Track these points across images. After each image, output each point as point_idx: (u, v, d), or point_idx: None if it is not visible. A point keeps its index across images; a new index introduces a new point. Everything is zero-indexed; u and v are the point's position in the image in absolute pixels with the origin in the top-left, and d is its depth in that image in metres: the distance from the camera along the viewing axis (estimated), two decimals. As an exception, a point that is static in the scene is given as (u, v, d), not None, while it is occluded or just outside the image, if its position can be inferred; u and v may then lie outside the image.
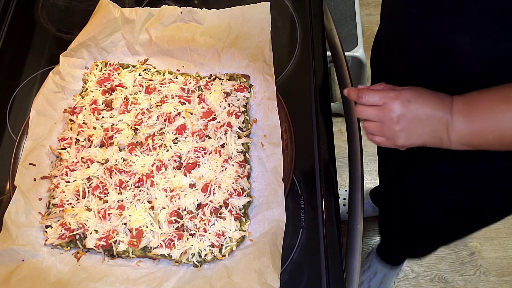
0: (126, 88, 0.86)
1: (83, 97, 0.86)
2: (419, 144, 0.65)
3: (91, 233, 0.73)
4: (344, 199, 1.62)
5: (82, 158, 0.79)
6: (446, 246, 1.60)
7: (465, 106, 0.61)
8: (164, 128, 0.82)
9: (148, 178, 0.77)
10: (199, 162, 0.78)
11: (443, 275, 1.59)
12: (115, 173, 0.77)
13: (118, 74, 0.87)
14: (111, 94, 0.86)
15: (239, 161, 0.78)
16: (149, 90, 0.86)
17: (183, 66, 0.90)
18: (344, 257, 0.72)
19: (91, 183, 0.77)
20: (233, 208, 0.74)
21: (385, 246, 1.49)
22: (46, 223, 0.75)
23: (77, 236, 0.73)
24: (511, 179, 0.74)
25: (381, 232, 1.43)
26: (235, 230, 0.73)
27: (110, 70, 0.87)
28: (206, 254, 0.72)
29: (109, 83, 0.86)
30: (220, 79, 0.87)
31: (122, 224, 0.74)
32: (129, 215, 0.74)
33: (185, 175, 0.78)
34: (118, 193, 0.77)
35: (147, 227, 0.73)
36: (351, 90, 0.70)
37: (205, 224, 0.73)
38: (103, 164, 0.79)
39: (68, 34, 0.94)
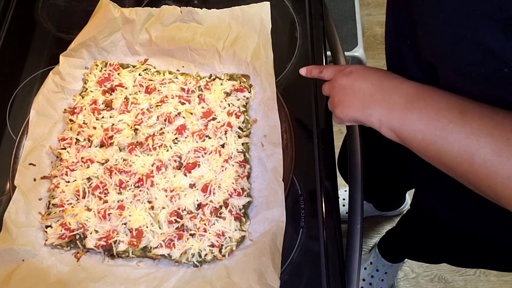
0: (126, 88, 0.86)
1: (83, 97, 0.86)
2: (352, 117, 0.62)
3: (91, 233, 0.73)
4: (344, 199, 1.62)
5: (82, 158, 0.79)
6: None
7: (415, 94, 0.54)
8: (164, 128, 0.82)
9: (148, 178, 0.77)
10: (199, 162, 0.78)
11: (443, 275, 1.59)
12: (115, 173, 0.77)
13: (118, 74, 0.87)
14: (111, 94, 0.86)
15: (239, 161, 0.78)
16: (149, 90, 0.86)
17: (183, 66, 0.90)
18: (344, 257, 0.72)
19: (91, 183, 0.77)
20: (233, 208, 0.74)
21: (386, 243, 1.49)
22: (46, 223, 0.75)
23: (77, 236, 0.74)
24: None
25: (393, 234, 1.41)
26: (235, 230, 0.73)
27: (110, 70, 0.87)
28: (206, 254, 0.72)
29: (109, 83, 0.86)
30: (220, 79, 0.87)
31: (122, 224, 0.74)
32: (129, 215, 0.74)
33: (185, 175, 0.78)
34: (118, 193, 0.77)
35: (147, 227, 0.73)
36: (311, 67, 0.72)
37: (205, 224, 0.73)
38: (103, 164, 0.79)
39: (68, 34, 0.94)
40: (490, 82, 0.46)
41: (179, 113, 0.83)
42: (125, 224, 0.74)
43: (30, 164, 0.79)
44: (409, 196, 1.65)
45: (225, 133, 0.81)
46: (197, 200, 0.75)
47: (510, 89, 0.45)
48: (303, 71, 0.74)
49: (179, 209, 0.75)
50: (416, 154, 0.55)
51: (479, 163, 0.46)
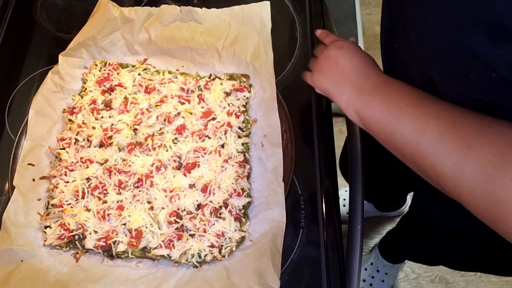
0: (125, 88, 0.86)
1: (82, 97, 0.85)
2: (324, 89, 0.67)
3: (90, 234, 0.73)
4: (344, 199, 1.62)
5: (81, 158, 0.79)
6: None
7: (384, 82, 0.59)
8: (164, 128, 0.82)
9: (148, 178, 0.77)
10: (198, 162, 0.78)
11: (444, 275, 1.59)
12: (115, 173, 0.77)
13: (118, 73, 0.87)
14: (110, 94, 0.86)
15: (239, 161, 0.78)
16: (148, 90, 0.85)
17: (182, 66, 0.90)
18: (344, 257, 0.72)
19: (90, 183, 0.77)
20: (233, 208, 0.74)
21: (387, 244, 1.48)
22: (45, 223, 0.74)
23: (76, 237, 0.73)
24: None
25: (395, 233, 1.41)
26: (235, 230, 0.73)
27: (109, 70, 0.87)
28: (205, 255, 0.71)
29: (108, 83, 0.86)
30: (220, 78, 0.87)
31: (122, 224, 0.74)
32: (129, 216, 0.74)
33: (185, 175, 0.77)
34: (118, 193, 0.76)
35: (146, 227, 0.73)
36: (324, 32, 0.77)
37: (204, 224, 0.73)
38: (102, 164, 0.79)
39: (67, 34, 0.93)
40: (479, 87, 0.46)
41: (178, 113, 0.83)
42: (124, 224, 0.74)
43: (29, 164, 0.78)
44: (410, 196, 1.64)
45: (225, 133, 0.80)
46: (197, 201, 0.75)
47: (498, 94, 0.45)
48: (318, 32, 0.78)
49: (178, 209, 0.74)
50: (374, 137, 0.58)
51: (425, 143, 0.49)
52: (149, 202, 0.75)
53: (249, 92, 0.85)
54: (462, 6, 0.41)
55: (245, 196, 0.76)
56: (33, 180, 0.78)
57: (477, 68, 0.43)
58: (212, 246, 0.71)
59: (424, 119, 0.50)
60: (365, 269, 1.53)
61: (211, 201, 0.74)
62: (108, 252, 0.72)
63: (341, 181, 1.72)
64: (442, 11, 0.44)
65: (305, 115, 0.84)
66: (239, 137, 0.81)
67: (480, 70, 0.43)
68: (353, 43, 0.71)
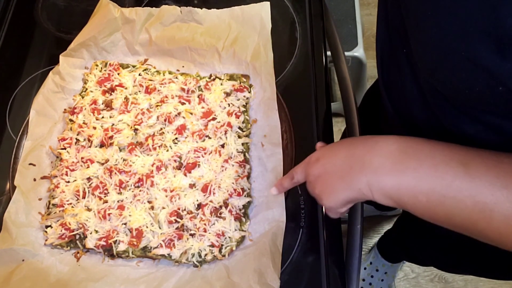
0: (126, 88, 0.86)
1: (83, 97, 0.86)
2: (343, 200, 0.55)
3: (91, 233, 0.73)
4: (344, 199, 1.62)
5: (82, 158, 0.79)
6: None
7: (400, 152, 0.49)
8: (164, 128, 0.82)
9: (148, 178, 0.77)
10: (199, 162, 0.78)
11: (443, 275, 1.59)
12: (115, 173, 0.77)
13: (118, 74, 0.87)
14: (111, 94, 0.86)
15: (239, 161, 0.78)
16: (149, 90, 0.86)
17: (183, 66, 0.90)
18: (344, 257, 0.72)
19: (91, 183, 0.77)
20: (233, 208, 0.74)
21: (386, 243, 1.49)
22: (46, 223, 0.75)
23: (77, 236, 0.74)
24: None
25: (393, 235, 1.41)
26: (235, 230, 0.73)
27: (110, 70, 0.87)
28: (206, 254, 0.72)
29: (109, 83, 0.86)
30: (220, 79, 0.87)
31: (122, 224, 0.74)
32: (129, 215, 0.74)
33: (185, 175, 0.78)
34: (118, 193, 0.77)
35: (147, 227, 0.73)
36: (280, 181, 0.67)
37: (205, 224, 0.73)
38: (103, 164, 0.79)
39: (68, 34, 0.94)
40: (484, 100, 0.44)
41: (179, 113, 0.83)
42: (125, 224, 0.74)
43: (30, 164, 0.79)
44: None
45: (225, 133, 0.81)
46: (197, 200, 0.75)
47: (505, 108, 0.43)
48: (274, 191, 0.69)
49: (179, 209, 0.75)
50: (420, 217, 0.50)
51: (500, 220, 0.42)
52: (149, 202, 0.76)
53: (249, 92, 0.86)
54: (468, 19, 0.40)
55: (245, 196, 0.76)
56: (34, 180, 0.78)
57: (483, 81, 0.41)
58: (212, 245, 0.72)
59: (487, 192, 0.43)
60: (365, 269, 1.53)
61: (211, 201, 0.75)
62: (108, 251, 0.73)
63: (340, 181, 1.71)
64: (447, 23, 0.42)
65: (305, 115, 0.85)
66: (239, 137, 0.81)
67: (487, 84, 0.41)
68: (322, 148, 0.60)
